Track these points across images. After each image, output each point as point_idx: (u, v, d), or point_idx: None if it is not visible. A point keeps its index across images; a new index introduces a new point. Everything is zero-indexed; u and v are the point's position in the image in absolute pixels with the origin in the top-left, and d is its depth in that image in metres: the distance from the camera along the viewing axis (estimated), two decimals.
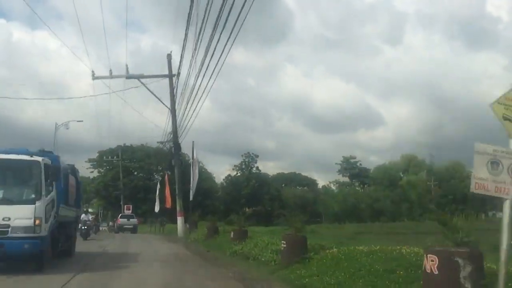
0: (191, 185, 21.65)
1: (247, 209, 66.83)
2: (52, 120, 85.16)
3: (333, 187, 73.48)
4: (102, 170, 53.09)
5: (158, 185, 29.20)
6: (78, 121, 46.52)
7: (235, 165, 65.88)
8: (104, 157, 52.34)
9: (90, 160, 55.00)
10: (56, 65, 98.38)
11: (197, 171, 21.17)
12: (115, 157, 50.36)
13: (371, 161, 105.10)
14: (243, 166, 65.81)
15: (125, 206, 46.60)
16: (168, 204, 24.82)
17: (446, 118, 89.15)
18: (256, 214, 66.44)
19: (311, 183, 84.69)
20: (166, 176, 25.63)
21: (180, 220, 22.75)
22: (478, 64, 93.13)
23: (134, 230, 32.07)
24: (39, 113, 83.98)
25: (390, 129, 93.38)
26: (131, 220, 33.92)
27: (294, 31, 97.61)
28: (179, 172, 23.62)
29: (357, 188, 70.57)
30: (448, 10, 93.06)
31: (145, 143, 52.19)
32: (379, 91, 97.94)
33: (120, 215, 36.94)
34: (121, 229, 32.44)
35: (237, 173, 65.44)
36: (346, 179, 72.59)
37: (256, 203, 65.60)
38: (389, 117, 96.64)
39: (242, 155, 66.03)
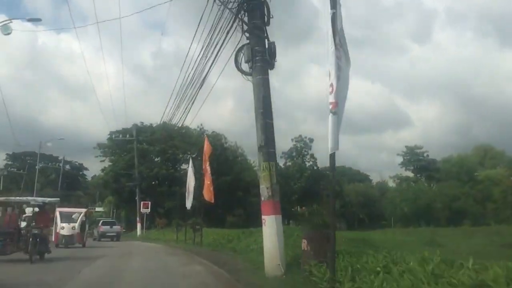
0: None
1: (300, 208, 60.61)
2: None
3: (392, 183, 71.04)
4: (114, 158, 48.62)
5: (191, 170, 23.33)
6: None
7: (283, 153, 59.53)
8: (114, 136, 47.68)
9: (100, 146, 50.64)
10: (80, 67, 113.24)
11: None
12: (127, 135, 45.52)
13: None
14: (294, 154, 59.35)
15: (142, 203, 41.82)
16: (210, 199, 18.68)
17: (476, 119, 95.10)
18: (310, 213, 60.09)
19: (365, 178, 79.00)
20: (205, 163, 19.30)
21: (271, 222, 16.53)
22: (511, 63, 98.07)
23: (117, 237, 33.36)
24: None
25: (418, 130, 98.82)
26: (114, 227, 34.88)
27: (319, 29, 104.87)
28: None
29: (425, 184, 67.70)
30: (480, 7, 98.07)
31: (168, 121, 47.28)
32: (406, 91, 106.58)
33: (102, 221, 37.43)
34: (103, 236, 33.31)
35: (286, 162, 59.15)
36: (410, 173, 69.20)
37: (309, 200, 59.12)
38: (416, 118, 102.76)
39: (292, 140, 59.66)
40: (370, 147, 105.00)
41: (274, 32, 10.05)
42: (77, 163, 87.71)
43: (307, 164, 58.76)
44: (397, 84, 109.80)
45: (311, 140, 59.26)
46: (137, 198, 42.92)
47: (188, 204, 23.84)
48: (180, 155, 48.29)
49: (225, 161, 50.28)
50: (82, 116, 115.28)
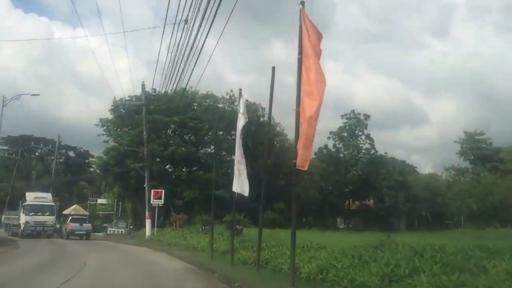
0: None
1: (350, 203, 48.61)
2: None
3: (445, 176, 61.17)
4: (117, 133, 37.29)
5: (239, 141, 11.71)
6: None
7: (331, 132, 47.61)
8: (121, 108, 36.52)
9: (102, 123, 39.25)
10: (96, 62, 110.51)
11: None
12: (134, 99, 34.26)
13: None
14: (345, 133, 47.41)
15: (153, 191, 30.56)
16: (304, 163, 6.62)
17: (496, 117, 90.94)
18: (364, 210, 48.15)
19: (412, 170, 67.82)
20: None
21: None
22: None
23: (86, 236, 31.40)
24: None
25: (435, 127, 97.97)
26: (84, 225, 32.07)
27: (336, 24, 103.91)
28: None
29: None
30: (502, 0, 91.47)
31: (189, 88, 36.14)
32: (423, 87, 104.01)
33: (71, 217, 33.90)
34: (71, 234, 30.97)
35: (336, 143, 47.18)
36: (467, 164, 59.21)
37: (365, 193, 47.23)
38: (434, 115, 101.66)
39: (342, 116, 47.71)
40: (386, 144, 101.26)
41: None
42: (82, 150, 77.03)
43: (362, 147, 46.80)
44: (414, 80, 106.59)
45: (367, 117, 47.26)
46: (146, 185, 31.65)
47: (242, 188, 12.73)
48: (204, 130, 36.81)
49: (262, 141, 38.82)
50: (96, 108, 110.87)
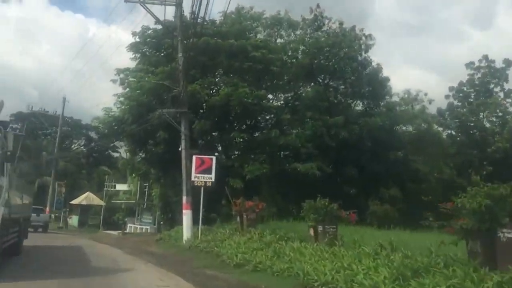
0: None
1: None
2: None
3: None
4: (139, 75, 23.43)
5: None
6: None
7: (451, 88, 32.48)
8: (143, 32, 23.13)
9: (119, 71, 25.43)
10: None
11: None
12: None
13: None
14: (471, 89, 32.16)
15: (195, 158, 16.75)
16: None
17: None
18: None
19: None
20: None
21: None
22: None
23: (44, 228, 28.17)
24: None
25: None
26: (41, 215, 27.90)
27: (373, 15, 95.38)
28: None
29: None
30: None
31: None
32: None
33: None
34: None
35: (463, 103, 32.06)
36: None
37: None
38: None
39: (468, 66, 32.47)
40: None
41: None
42: (106, 131, 64.26)
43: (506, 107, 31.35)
44: (454, 73, 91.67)
45: (510, 64, 31.72)
46: (182, 148, 17.80)
47: None
48: (276, 64, 22.51)
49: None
50: None
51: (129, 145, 24.43)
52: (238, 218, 15.44)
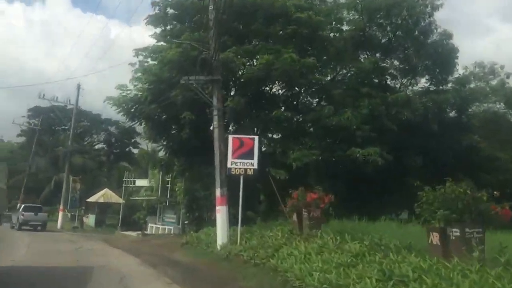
0: None
1: None
2: None
3: None
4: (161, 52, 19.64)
5: None
6: None
7: None
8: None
9: (137, 52, 21.52)
10: None
11: None
12: None
13: None
14: None
15: (231, 138, 12.81)
16: None
17: None
18: None
19: None
20: None
21: None
22: None
23: (42, 227, 28.57)
24: None
25: None
26: (39, 214, 28.89)
27: None
28: None
29: None
30: None
31: None
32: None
33: (24, 206, 29.96)
34: (25, 224, 28.05)
35: None
36: None
37: None
38: None
39: None
40: None
41: None
42: (126, 125, 61.38)
43: None
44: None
45: None
46: (214, 127, 13.85)
47: None
48: (326, 27, 18.29)
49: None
50: None
51: (148, 130, 20.64)
52: (294, 217, 11.36)
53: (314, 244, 8.81)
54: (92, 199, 35.11)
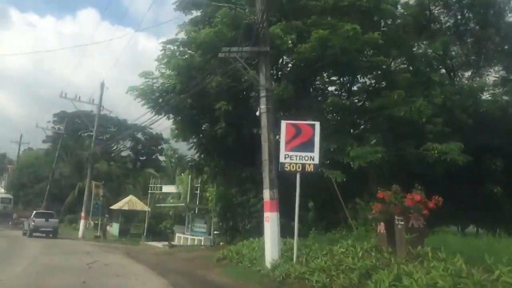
0: None
1: None
2: None
3: None
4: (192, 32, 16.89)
5: None
6: None
7: None
8: None
9: (167, 42, 18.80)
10: None
11: None
12: None
13: None
14: None
15: (285, 125, 9.87)
16: None
17: None
18: None
19: None
20: None
21: None
22: None
23: (54, 233, 28.30)
24: None
25: None
26: (50, 220, 28.53)
27: None
28: None
29: None
30: None
31: None
32: None
33: (35, 212, 29.80)
34: (36, 231, 27.71)
35: None
36: None
37: None
38: None
39: None
40: None
41: None
42: (153, 131, 59.95)
43: None
44: None
45: None
46: (261, 111, 10.93)
47: None
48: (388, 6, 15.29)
49: None
50: None
51: (176, 125, 17.88)
52: (381, 227, 8.19)
53: (436, 270, 5.69)
54: (115, 206, 32.69)
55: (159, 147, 59.77)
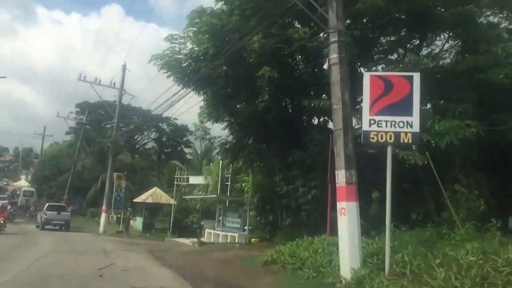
0: None
1: None
2: None
3: None
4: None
5: None
6: None
7: None
8: None
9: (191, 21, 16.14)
10: None
11: None
12: None
13: None
14: None
15: (369, 77, 6.90)
16: None
17: None
18: None
19: None
20: None
21: None
22: None
23: (66, 226, 27.77)
24: None
25: None
26: (62, 213, 28.28)
27: None
28: None
29: None
30: None
31: None
32: None
33: (47, 205, 29.58)
34: (48, 224, 27.44)
35: None
36: None
37: None
38: None
39: None
40: None
41: None
42: (178, 123, 58.03)
43: None
44: None
45: None
46: (331, 63, 7.95)
47: None
48: None
49: None
50: None
51: (207, 99, 15.01)
52: None
53: None
54: (139, 199, 30.26)
55: (184, 139, 57.57)
